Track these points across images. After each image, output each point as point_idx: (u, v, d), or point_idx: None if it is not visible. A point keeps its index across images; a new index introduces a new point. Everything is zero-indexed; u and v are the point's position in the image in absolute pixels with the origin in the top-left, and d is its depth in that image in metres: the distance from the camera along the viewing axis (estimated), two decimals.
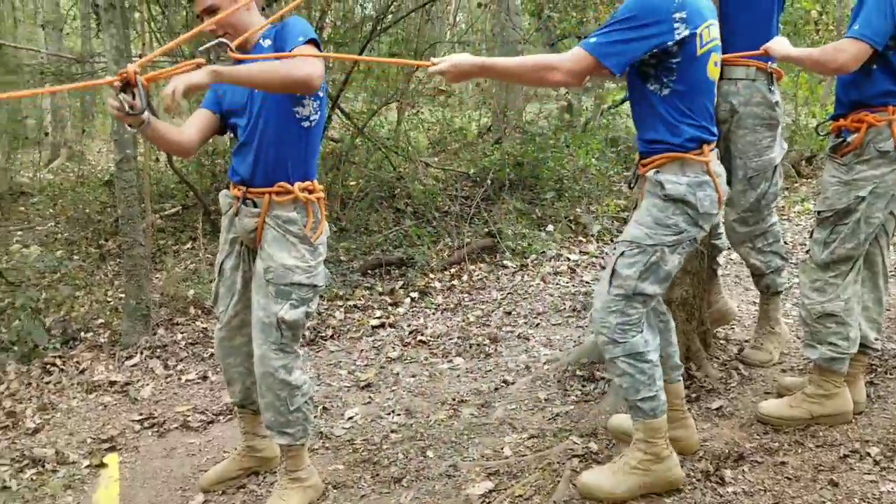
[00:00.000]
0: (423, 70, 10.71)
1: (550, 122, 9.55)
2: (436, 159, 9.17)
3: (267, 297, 2.78)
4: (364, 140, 8.18)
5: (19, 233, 8.47)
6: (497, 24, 10.25)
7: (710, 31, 2.57)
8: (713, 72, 2.62)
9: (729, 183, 3.41)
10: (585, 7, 7.46)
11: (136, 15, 7.48)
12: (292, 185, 2.78)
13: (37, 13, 13.91)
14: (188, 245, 7.44)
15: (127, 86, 2.29)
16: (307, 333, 5.13)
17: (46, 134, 11.88)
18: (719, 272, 4.29)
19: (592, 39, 2.49)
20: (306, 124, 2.78)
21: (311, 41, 2.61)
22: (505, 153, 8.17)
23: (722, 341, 4.18)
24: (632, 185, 2.98)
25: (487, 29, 11.37)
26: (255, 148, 2.77)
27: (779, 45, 3.16)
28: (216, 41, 2.56)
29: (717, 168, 2.67)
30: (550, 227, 7.20)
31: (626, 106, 10.34)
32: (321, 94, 2.76)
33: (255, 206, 2.81)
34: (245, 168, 2.81)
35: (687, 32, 2.46)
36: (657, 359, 2.71)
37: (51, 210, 9.30)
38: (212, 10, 2.71)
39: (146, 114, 2.39)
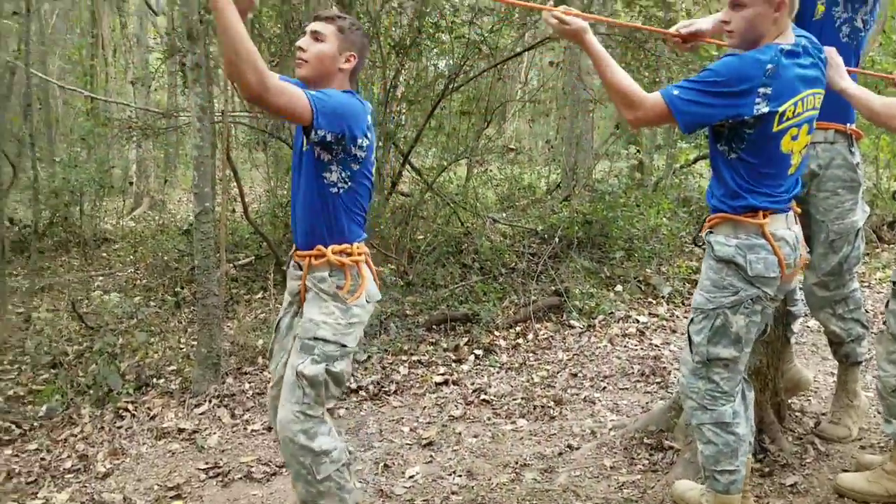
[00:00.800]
0: (493, 127, 10.90)
1: (621, 180, 9.49)
2: (503, 215, 9.20)
3: (294, 353, 2.76)
4: (433, 195, 8.28)
5: (101, 278, 8.82)
6: (569, 83, 10.32)
7: (803, 105, 2.51)
8: (788, 145, 2.57)
9: (809, 247, 3.34)
10: (658, 67, 7.44)
11: (220, 72, 7.80)
12: (327, 248, 2.73)
13: (127, 69, 14.70)
14: (259, 294, 7.60)
15: None
16: (371, 387, 5.15)
17: (131, 183, 12.44)
18: (793, 339, 4.14)
19: (675, 91, 2.48)
20: (334, 190, 2.66)
21: (319, 99, 2.47)
22: (574, 211, 8.14)
23: (797, 413, 4.01)
24: (697, 243, 3.00)
25: (559, 87, 11.45)
26: (296, 212, 2.80)
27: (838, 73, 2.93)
28: None
29: (782, 231, 2.62)
30: (619, 288, 7.09)
31: (699, 165, 10.24)
32: (354, 165, 2.65)
33: (300, 268, 2.83)
34: (295, 231, 2.86)
35: (766, 110, 2.43)
36: (745, 433, 2.68)
37: (131, 256, 9.67)
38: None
39: None
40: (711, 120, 2.48)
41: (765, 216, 2.57)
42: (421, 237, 8.14)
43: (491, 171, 9.45)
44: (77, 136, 11.36)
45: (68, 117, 16.27)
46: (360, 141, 2.59)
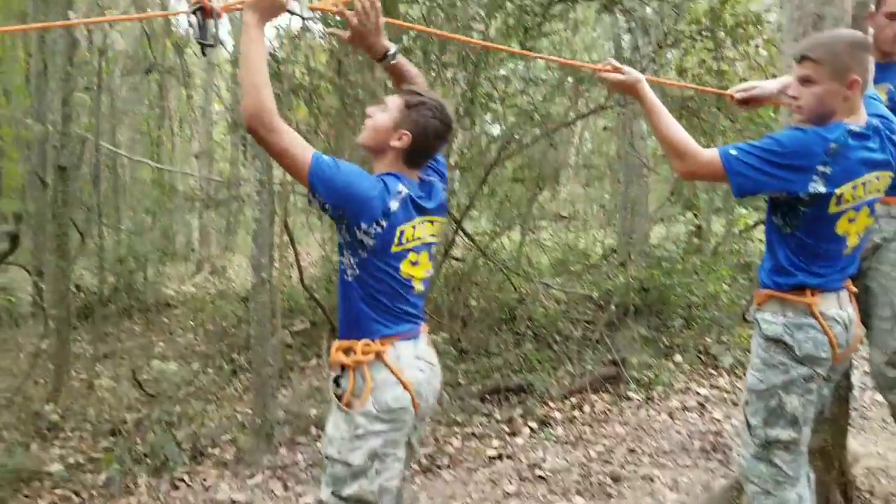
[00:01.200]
0: (547, 191, 10.90)
1: (678, 245, 9.34)
2: (558, 280, 9.12)
3: None
4: (486, 261, 8.28)
5: (161, 344, 9.00)
6: (623, 147, 10.31)
7: (864, 188, 2.43)
8: (844, 227, 2.49)
9: (870, 324, 3.21)
10: (714, 133, 7.38)
11: None
12: (339, 342, 2.45)
13: (192, 139, 15.28)
14: (314, 362, 7.64)
15: (202, 13, 2.26)
16: (423, 460, 5.07)
17: (193, 250, 12.76)
18: (867, 415, 3.96)
19: (733, 151, 2.43)
20: (347, 276, 2.40)
21: (322, 163, 2.28)
22: (630, 277, 8.03)
23: (866, 494, 3.80)
24: (746, 318, 2.94)
25: (612, 152, 11.44)
26: None
27: None
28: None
29: (833, 311, 2.53)
30: (678, 357, 6.92)
31: (759, 231, 10.03)
32: (362, 252, 2.34)
33: None
34: None
35: (823, 190, 2.37)
36: None
37: (191, 322, 9.87)
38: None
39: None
40: (763, 189, 2.41)
41: (813, 294, 2.49)
42: (474, 303, 8.12)
43: (544, 238, 9.39)
44: (143, 205, 11.76)
45: (136, 185, 16.93)
46: (365, 227, 2.28)
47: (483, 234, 8.60)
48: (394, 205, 2.32)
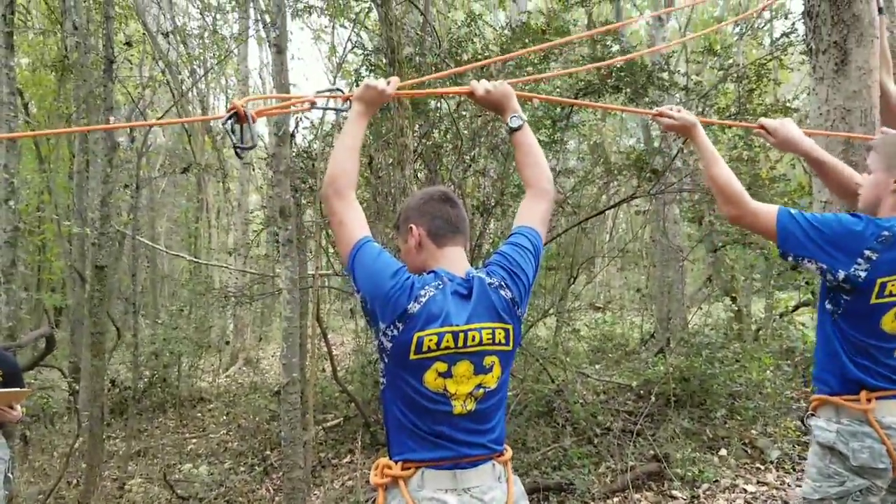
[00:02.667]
0: (582, 276, 10.81)
1: (718, 331, 9.12)
2: (596, 367, 8.92)
3: None
4: (521, 351, 8.13)
5: (194, 441, 8.91)
6: (657, 231, 10.24)
7: None
8: (891, 325, 2.39)
9: None
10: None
11: (312, 244, 8.10)
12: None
13: (228, 231, 15.55)
14: (347, 459, 7.48)
15: (236, 119, 2.30)
16: None
17: (227, 343, 12.79)
18: None
19: (793, 211, 2.45)
20: (381, 386, 2.21)
21: (365, 247, 2.20)
22: (670, 366, 7.82)
23: None
24: (804, 423, 2.79)
25: (646, 236, 11.37)
26: None
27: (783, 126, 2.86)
28: (333, 88, 2.60)
29: (890, 419, 2.39)
30: (723, 451, 6.64)
31: (802, 316, 9.79)
32: (385, 357, 2.14)
33: None
34: None
35: (863, 275, 2.32)
36: None
37: (224, 417, 9.79)
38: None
39: None
40: (805, 253, 2.39)
41: (869, 400, 2.37)
42: (511, 394, 7.94)
43: (580, 325, 9.24)
44: (179, 300, 11.90)
45: (174, 274, 17.20)
46: (384, 328, 2.10)
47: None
48: (413, 307, 2.07)
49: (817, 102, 3.77)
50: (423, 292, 2.11)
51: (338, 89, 2.56)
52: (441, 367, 2.09)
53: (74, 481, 7.31)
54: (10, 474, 4.37)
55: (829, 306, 2.46)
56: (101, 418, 7.18)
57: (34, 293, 15.99)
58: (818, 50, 3.79)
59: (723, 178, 2.54)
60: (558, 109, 7.21)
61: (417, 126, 7.43)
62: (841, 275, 2.34)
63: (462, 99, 7.55)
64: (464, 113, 7.93)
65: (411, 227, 2.26)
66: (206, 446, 8.51)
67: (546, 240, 7.38)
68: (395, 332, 2.08)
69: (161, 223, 17.49)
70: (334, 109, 2.65)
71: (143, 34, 12.71)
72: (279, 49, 5.39)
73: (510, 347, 2.20)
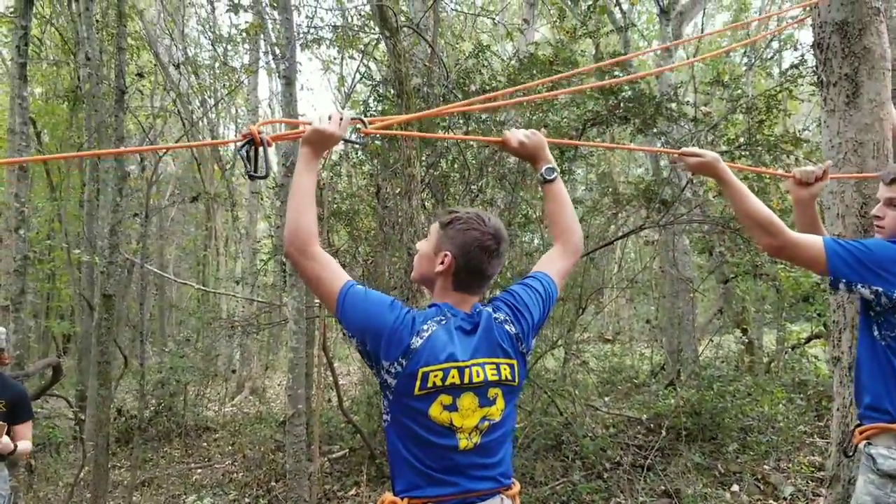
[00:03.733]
0: (591, 306, 10.73)
1: (729, 363, 9.02)
2: (605, 400, 8.82)
3: None
4: (529, 382, 8.05)
5: (199, 471, 8.83)
6: (668, 263, 10.18)
7: None
8: None
9: None
10: (758, 249, 7.25)
11: None
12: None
13: (236, 258, 15.57)
14: (353, 491, 7.38)
15: (251, 145, 2.24)
16: None
17: (234, 371, 12.74)
18: None
19: (837, 242, 2.50)
20: (385, 422, 2.18)
21: (353, 293, 2.15)
22: (680, 399, 7.72)
23: None
24: (848, 453, 2.73)
25: (655, 267, 11.30)
26: None
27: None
28: (356, 116, 2.48)
29: None
30: (735, 487, 6.51)
31: (814, 349, 9.67)
32: (389, 394, 2.12)
33: None
34: None
35: None
36: None
37: (229, 447, 9.70)
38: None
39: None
40: (858, 278, 2.43)
41: None
42: (518, 426, 7.84)
43: (587, 359, 9.15)
44: (187, 328, 11.89)
45: (182, 302, 17.22)
46: (387, 365, 2.07)
47: None
48: (416, 342, 2.06)
49: (829, 135, 3.74)
50: (425, 327, 2.10)
51: (359, 118, 2.47)
52: (446, 399, 2.08)
53: None
54: None
55: (878, 332, 2.47)
56: (107, 448, 7.13)
57: (43, 321, 16.06)
58: (829, 82, 3.77)
59: (757, 210, 2.54)
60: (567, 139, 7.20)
61: (425, 156, 7.44)
62: (890, 292, 2.39)
63: (470, 128, 7.57)
64: (472, 143, 7.94)
65: (445, 255, 2.19)
66: (210, 477, 8.43)
67: None
68: (399, 368, 2.06)
69: (170, 251, 17.54)
70: (347, 141, 2.58)
71: (155, 65, 12.85)
72: (289, 81, 5.42)
73: (516, 383, 2.19)
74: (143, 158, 12.12)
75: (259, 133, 2.27)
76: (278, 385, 14.34)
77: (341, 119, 2.33)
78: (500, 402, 2.15)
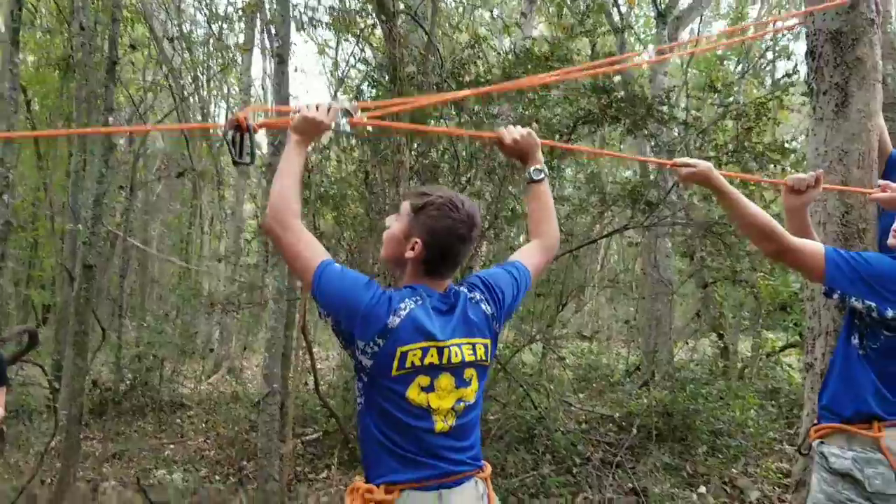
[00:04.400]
0: (571, 304, 10.79)
1: (703, 367, 9.11)
2: (580, 396, 8.88)
3: None
4: (506, 375, 8.09)
5: (172, 446, 8.82)
6: (650, 265, 10.25)
7: None
8: None
9: None
10: (740, 255, 7.34)
11: None
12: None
13: (220, 238, 15.52)
14: (324, 474, 7.41)
15: (237, 130, 2.25)
16: None
17: (212, 350, 12.70)
18: None
19: (840, 249, 2.54)
20: (359, 406, 2.14)
21: (329, 270, 2.12)
22: (653, 399, 7.80)
23: None
24: (802, 452, 2.80)
25: (637, 270, 11.38)
26: None
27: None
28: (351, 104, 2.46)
29: None
30: (703, 489, 6.60)
31: (789, 357, 9.78)
32: (364, 376, 2.08)
33: None
34: None
35: None
36: None
37: (203, 424, 9.69)
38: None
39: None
40: (854, 291, 2.45)
41: (881, 429, 2.42)
42: (492, 418, 7.89)
43: (564, 355, 9.21)
44: (167, 304, 11.85)
45: (163, 278, 17.12)
46: (362, 345, 2.03)
47: (504, 346, 8.45)
48: (394, 321, 2.03)
49: (815, 143, 3.77)
50: (402, 305, 2.08)
51: (348, 108, 2.43)
52: (424, 381, 2.06)
53: (49, 480, 7.21)
54: None
55: (857, 341, 2.52)
56: (80, 418, 7.10)
57: (24, 289, 15.93)
58: (819, 91, 3.79)
59: (756, 216, 2.55)
60: (556, 137, 7.22)
61: (416, 144, 7.45)
62: (890, 313, 2.41)
63: (463, 120, 7.58)
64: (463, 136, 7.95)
65: (416, 242, 2.14)
66: (183, 453, 8.42)
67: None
68: (376, 349, 2.03)
69: (155, 227, 17.44)
70: (337, 131, 2.57)
71: (149, 38, 12.76)
72: (281, 59, 5.41)
73: (488, 363, 2.21)
74: (132, 138, 12.05)
75: (245, 120, 2.27)
76: (256, 366, 14.31)
77: (329, 108, 2.34)
78: (475, 383, 2.15)
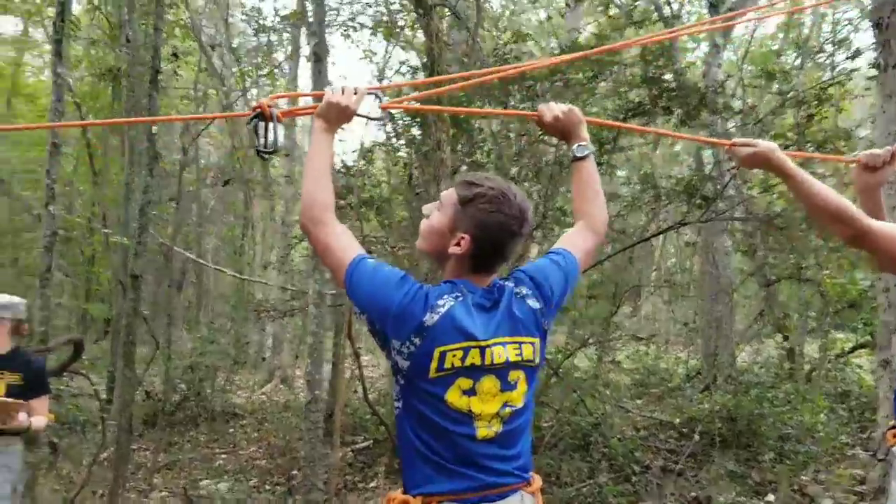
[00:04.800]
0: (627, 307, 10.46)
1: (768, 369, 8.69)
2: (637, 402, 8.56)
3: None
4: (559, 380, 7.83)
5: (224, 456, 8.79)
6: (708, 264, 9.86)
7: None
8: None
9: None
10: (806, 251, 6.95)
11: None
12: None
13: (272, 248, 15.61)
14: (373, 483, 7.26)
15: (261, 118, 2.15)
16: None
17: (264, 359, 12.74)
18: None
19: None
20: (397, 410, 1.98)
21: (362, 265, 1.98)
22: (715, 404, 7.44)
23: None
24: (879, 457, 2.55)
25: (695, 268, 10.99)
26: None
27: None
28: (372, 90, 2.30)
29: None
30: (771, 497, 6.23)
31: (860, 359, 9.28)
32: (400, 378, 1.94)
33: None
34: None
35: None
36: None
37: (255, 434, 9.67)
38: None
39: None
40: None
41: None
42: (545, 425, 7.65)
43: (620, 359, 8.91)
44: (220, 316, 11.94)
45: (220, 290, 17.33)
46: (398, 345, 1.89)
47: (557, 350, 8.18)
48: (431, 319, 1.87)
49: (885, 122, 3.50)
50: (440, 302, 1.91)
51: (375, 94, 2.28)
52: (465, 383, 1.90)
53: (100, 492, 7.21)
54: (18, 486, 4.24)
55: None
56: (129, 429, 7.09)
57: (82, 303, 16.29)
58: (888, 65, 3.52)
59: (827, 198, 2.27)
60: (605, 132, 6.98)
61: (460, 144, 7.28)
62: None
63: (504, 122, 7.39)
64: (509, 134, 7.76)
65: (463, 237, 1.97)
66: (234, 462, 8.38)
67: (587, 266, 7.06)
68: (412, 348, 1.88)
69: (209, 240, 17.67)
70: (363, 116, 2.40)
71: (195, 47, 12.90)
72: (318, 57, 5.30)
73: (536, 363, 2.01)
74: (185, 149, 12.18)
75: (269, 107, 2.16)
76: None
77: (356, 91, 2.20)
78: (522, 386, 1.97)
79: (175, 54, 9.85)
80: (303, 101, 2.71)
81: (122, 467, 6.84)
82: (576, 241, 2.26)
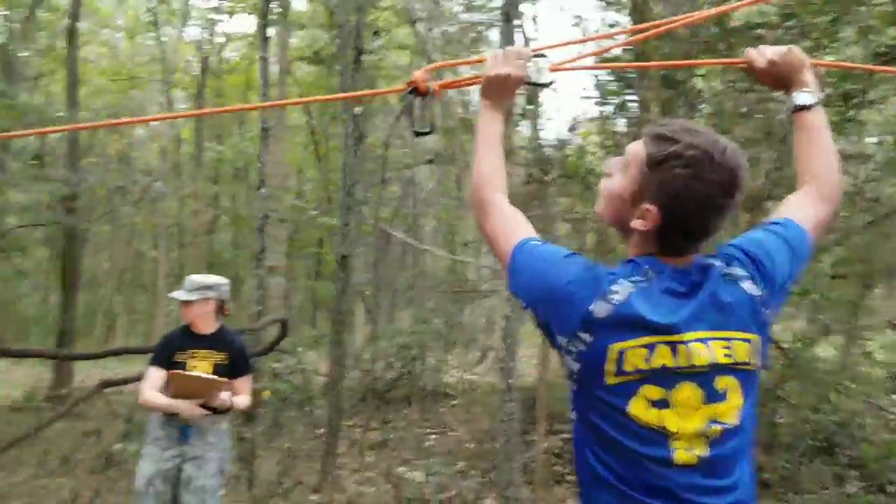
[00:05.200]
0: (882, 290, 9.06)
1: None
2: (894, 398, 7.39)
3: None
4: (798, 372, 6.88)
5: (433, 436, 8.78)
6: None
7: None
8: None
9: None
10: None
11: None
12: None
13: None
14: None
15: (416, 93, 1.94)
16: None
17: (474, 339, 12.74)
18: None
19: None
20: (571, 420, 1.63)
21: (526, 246, 1.64)
22: None
23: None
24: None
25: None
26: None
27: None
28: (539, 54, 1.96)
29: None
30: None
31: None
32: (572, 383, 1.56)
33: None
34: None
35: None
36: None
37: (467, 415, 9.59)
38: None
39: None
40: None
41: None
42: (781, 421, 6.79)
43: (872, 349, 7.68)
44: (433, 295, 12.08)
45: (437, 268, 17.74)
46: (563, 341, 1.52)
47: (796, 339, 7.17)
48: (601, 308, 1.47)
49: None
50: (615, 288, 1.49)
51: (542, 54, 1.93)
52: (653, 392, 1.48)
53: (315, 467, 7.45)
54: (226, 466, 4.31)
55: None
56: (339, 407, 7.22)
57: (312, 282, 17.46)
58: None
59: None
60: (850, 82, 5.93)
61: (677, 106, 6.56)
62: None
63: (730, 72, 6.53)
64: (735, 93, 6.89)
65: (649, 209, 1.53)
66: (443, 444, 8.34)
67: (830, 242, 5.88)
68: (581, 346, 1.49)
69: (427, 221, 18.05)
70: (531, 83, 1.99)
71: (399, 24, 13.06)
72: (507, 17, 4.90)
73: (754, 366, 1.51)
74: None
75: (425, 81, 1.93)
76: (523, 358, 14.11)
77: (518, 56, 1.87)
78: (736, 398, 1.50)
79: (376, 32, 9.92)
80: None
81: (333, 444, 6.97)
82: (806, 210, 1.74)
